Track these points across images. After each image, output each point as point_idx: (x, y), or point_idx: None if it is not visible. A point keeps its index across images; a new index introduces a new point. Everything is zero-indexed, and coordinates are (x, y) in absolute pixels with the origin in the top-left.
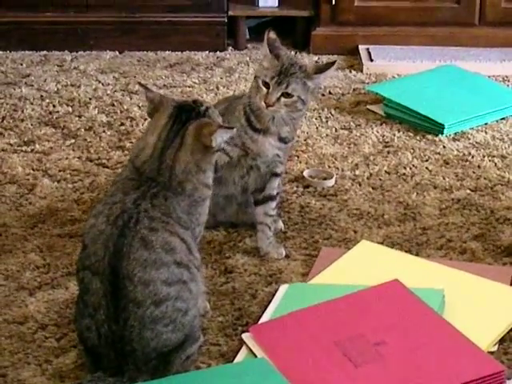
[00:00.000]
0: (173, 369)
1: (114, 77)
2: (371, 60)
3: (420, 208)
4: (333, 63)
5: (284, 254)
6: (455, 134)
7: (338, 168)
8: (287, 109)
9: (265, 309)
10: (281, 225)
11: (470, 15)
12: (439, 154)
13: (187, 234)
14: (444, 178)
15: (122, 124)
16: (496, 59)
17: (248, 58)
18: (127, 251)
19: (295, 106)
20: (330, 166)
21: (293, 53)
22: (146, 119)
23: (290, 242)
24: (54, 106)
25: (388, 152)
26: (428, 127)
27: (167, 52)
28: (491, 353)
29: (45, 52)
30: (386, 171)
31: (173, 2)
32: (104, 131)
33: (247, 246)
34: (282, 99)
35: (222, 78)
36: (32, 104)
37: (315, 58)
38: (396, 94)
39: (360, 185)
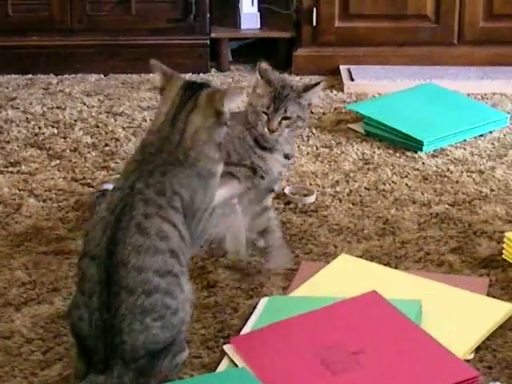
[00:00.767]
0: (159, 373)
1: (98, 99)
2: (352, 80)
3: (399, 223)
4: (319, 82)
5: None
6: (434, 150)
7: (318, 185)
8: (289, 129)
9: (246, 321)
10: (262, 242)
11: (448, 35)
12: (418, 170)
13: (178, 218)
14: (423, 194)
15: (107, 145)
16: (475, 78)
17: (231, 80)
18: (123, 236)
19: (296, 125)
20: (311, 183)
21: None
22: (130, 140)
23: None
24: (39, 127)
25: (368, 169)
26: (407, 144)
27: (151, 74)
28: (467, 361)
29: (30, 75)
30: (365, 187)
31: (156, 26)
32: (89, 152)
33: (229, 261)
34: (283, 122)
35: None
36: (18, 126)
37: (297, 78)
38: (376, 113)
39: (340, 201)
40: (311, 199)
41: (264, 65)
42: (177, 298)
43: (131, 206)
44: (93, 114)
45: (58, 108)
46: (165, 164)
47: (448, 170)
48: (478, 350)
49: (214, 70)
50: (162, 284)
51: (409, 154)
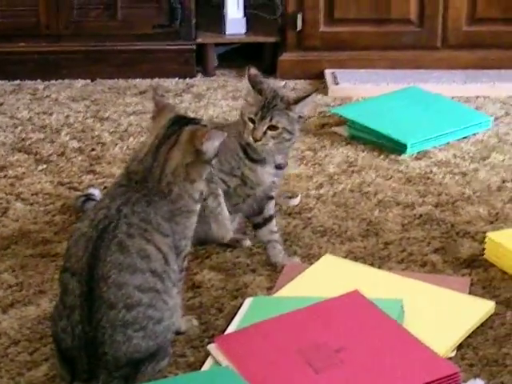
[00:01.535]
0: (144, 379)
1: (85, 104)
2: (336, 84)
3: (382, 224)
4: (311, 93)
5: (300, 262)
6: (418, 153)
7: (302, 187)
8: (275, 141)
9: (230, 321)
10: (248, 242)
11: (432, 39)
12: (402, 172)
13: (165, 243)
14: (406, 195)
15: (93, 149)
16: (458, 81)
17: (216, 84)
18: (104, 253)
19: (282, 137)
20: (295, 186)
21: (280, 83)
22: (116, 144)
23: (255, 257)
24: (26, 133)
25: (352, 171)
26: (391, 147)
27: (137, 79)
28: (449, 358)
29: (18, 81)
30: (349, 189)
31: (142, 31)
32: (75, 156)
33: (213, 262)
34: (269, 132)
35: (190, 104)
36: (5, 131)
37: (282, 82)
38: (359, 116)
39: (324, 203)
40: (295, 201)
41: (253, 70)
42: (161, 309)
43: (115, 226)
44: (79, 119)
45: (44, 113)
46: (150, 195)
47: (431, 172)
48: (459, 347)
49: (200, 74)
50: (144, 299)
51: (392, 156)
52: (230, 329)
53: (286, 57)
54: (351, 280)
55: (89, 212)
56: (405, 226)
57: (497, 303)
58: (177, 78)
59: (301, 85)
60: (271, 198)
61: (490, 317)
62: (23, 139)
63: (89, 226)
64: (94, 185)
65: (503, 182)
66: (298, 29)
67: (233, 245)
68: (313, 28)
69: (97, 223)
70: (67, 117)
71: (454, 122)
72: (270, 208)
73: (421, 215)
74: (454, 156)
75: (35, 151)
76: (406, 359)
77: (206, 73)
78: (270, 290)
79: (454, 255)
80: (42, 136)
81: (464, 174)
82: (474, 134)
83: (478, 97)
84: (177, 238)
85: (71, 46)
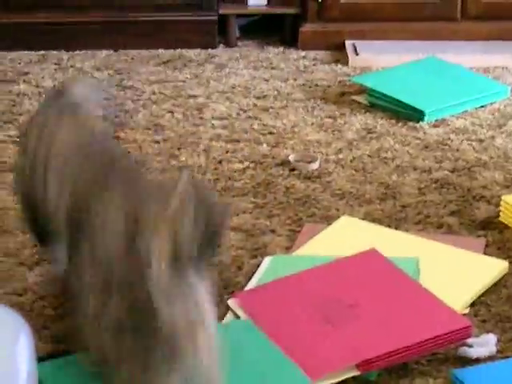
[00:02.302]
0: None
1: (108, 73)
2: (356, 54)
3: (400, 188)
4: None
5: None
6: (436, 120)
7: (322, 153)
8: None
9: (250, 279)
10: None
11: (452, 10)
12: (420, 139)
13: None
14: (423, 161)
15: (116, 117)
16: (477, 52)
17: (238, 55)
18: None
19: None
20: (314, 151)
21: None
22: (139, 112)
23: (275, 218)
24: None
25: (371, 138)
26: (409, 114)
27: (160, 50)
28: (463, 315)
29: (43, 52)
30: (368, 155)
31: (165, 2)
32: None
33: (234, 223)
34: None
35: (212, 73)
36: (30, 99)
37: (303, 53)
38: (379, 84)
39: (343, 167)
40: (315, 165)
41: None
42: None
43: None
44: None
45: None
46: None
47: (449, 138)
48: (473, 305)
49: (221, 45)
50: None
51: (411, 123)
52: (250, 286)
53: (306, 28)
54: (368, 240)
55: None
56: (422, 190)
57: (510, 263)
58: (199, 49)
59: (321, 55)
60: None
61: (503, 276)
62: None
63: None
64: None
65: None
66: (319, 0)
67: None
68: None
69: None
70: None
71: (472, 90)
72: None
73: (437, 180)
74: (472, 124)
75: None
76: (421, 312)
77: (228, 44)
78: (288, 249)
79: (469, 217)
80: None
81: (481, 141)
82: (492, 103)
83: (496, 67)
84: None
85: (95, 16)
